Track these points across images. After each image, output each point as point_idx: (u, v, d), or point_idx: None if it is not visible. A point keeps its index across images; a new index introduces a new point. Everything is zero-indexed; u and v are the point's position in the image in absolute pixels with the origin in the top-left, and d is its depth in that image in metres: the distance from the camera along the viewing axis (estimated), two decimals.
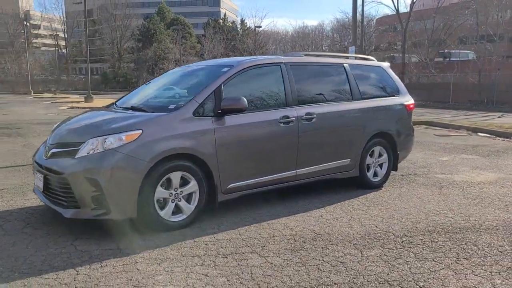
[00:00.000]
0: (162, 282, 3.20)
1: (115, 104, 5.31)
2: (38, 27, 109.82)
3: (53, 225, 4.41)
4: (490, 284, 3.22)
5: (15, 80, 58.71)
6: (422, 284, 3.22)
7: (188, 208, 4.36)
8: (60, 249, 3.82)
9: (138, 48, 76.33)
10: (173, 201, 4.27)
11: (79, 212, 4.00)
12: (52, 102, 30.91)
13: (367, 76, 6.22)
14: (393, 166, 6.33)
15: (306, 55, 5.83)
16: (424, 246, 3.95)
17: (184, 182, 4.33)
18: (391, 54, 42.04)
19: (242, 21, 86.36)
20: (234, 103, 4.47)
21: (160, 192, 4.16)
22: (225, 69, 4.88)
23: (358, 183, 5.97)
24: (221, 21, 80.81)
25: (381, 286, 3.17)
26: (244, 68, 4.94)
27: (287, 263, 3.55)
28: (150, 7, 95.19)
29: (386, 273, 3.39)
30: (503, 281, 3.27)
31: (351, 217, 4.79)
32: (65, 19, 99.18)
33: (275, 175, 5.02)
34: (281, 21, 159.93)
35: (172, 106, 4.56)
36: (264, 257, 3.68)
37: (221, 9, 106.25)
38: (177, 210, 4.34)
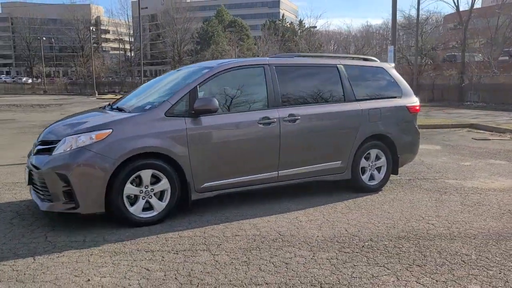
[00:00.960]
0: (103, 273, 3.37)
1: (110, 105, 5.59)
2: (107, 32, 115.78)
3: (39, 218, 4.74)
4: None
5: (83, 82, 62.12)
6: (324, 284, 3.16)
7: (159, 205, 4.51)
8: (32, 239, 4.10)
9: (197, 50, 78.30)
10: (144, 198, 4.45)
11: (53, 205, 4.28)
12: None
13: (365, 77, 6.08)
14: (393, 170, 6.14)
15: (297, 56, 5.81)
16: (382, 252, 3.86)
17: (156, 180, 4.49)
18: (452, 53, 40.13)
19: (301, 22, 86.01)
20: (206, 103, 4.58)
21: (130, 189, 4.35)
22: (204, 71, 5.00)
23: (352, 187, 5.86)
24: (278, 22, 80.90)
25: (306, 286, 3.15)
26: (223, 70, 5.03)
27: (232, 262, 3.61)
28: (210, 10, 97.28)
29: (325, 275, 3.36)
30: None
31: (326, 220, 4.74)
32: (130, 24, 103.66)
33: (255, 176, 5.06)
34: (335, 21, 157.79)
35: (148, 107, 4.74)
36: (214, 255, 3.76)
37: (280, 10, 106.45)
38: (150, 206, 4.50)
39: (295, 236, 4.22)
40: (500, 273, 3.43)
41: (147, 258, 3.67)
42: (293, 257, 3.72)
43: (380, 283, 3.25)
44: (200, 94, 4.85)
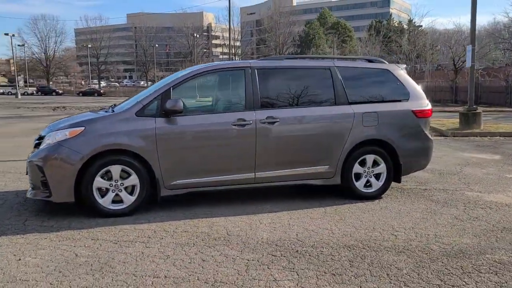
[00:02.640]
0: (37, 255, 3.79)
1: (113, 106, 6.08)
2: (217, 37, 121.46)
3: (38, 205, 5.32)
4: None
5: None
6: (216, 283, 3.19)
7: (128, 199, 4.86)
8: (13, 222, 4.71)
9: (297, 53, 78.79)
10: (113, 191, 4.83)
11: (35, 193, 4.85)
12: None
13: (364, 80, 5.86)
14: (396, 177, 5.83)
15: (286, 58, 5.79)
16: (310, 258, 3.79)
17: (127, 175, 4.85)
18: None
19: (410, 21, 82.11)
20: (173, 105, 4.83)
21: (99, 182, 4.76)
22: (182, 73, 5.25)
23: (346, 193, 5.69)
24: (385, 22, 78.01)
25: (197, 282, 3.24)
26: (200, 73, 5.24)
27: (155, 255, 3.81)
28: (313, 13, 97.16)
29: (227, 275, 3.43)
30: None
31: (288, 224, 4.71)
32: (238, 29, 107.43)
33: (230, 176, 5.18)
34: (441, 20, 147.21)
35: (126, 107, 5.12)
36: (146, 247, 4.00)
37: (390, 10, 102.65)
38: (120, 199, 4.87)
39: (239, 237, 4.28)
40: (407, 286, 3.20)
41: (86, 245, 4.02)
42: (215, 256, 3.80)
43: (266, 286, 3.22)
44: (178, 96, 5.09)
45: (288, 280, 3.35)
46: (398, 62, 55.58)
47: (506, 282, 3.35)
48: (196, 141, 5.06)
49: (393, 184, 6.35)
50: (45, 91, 64.82)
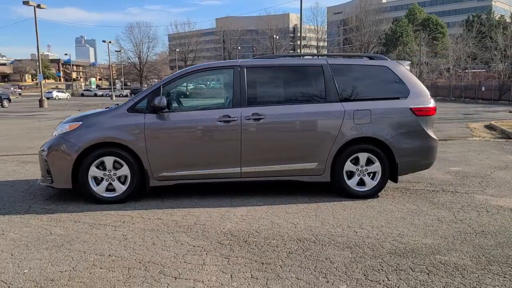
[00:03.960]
0: (19, 232, 4.37)
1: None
2: (303, 38, 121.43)
3: (55, 191, 6.01)
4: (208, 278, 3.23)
5: None
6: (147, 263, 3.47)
7: (120, 188, 5.35)
8: (23, 204, 5.39)
9: (382, 52, 76.34)
10: (107, 180, 5.34)
11: (43, 180, 5.51)
12: None
13: (360, 77, 5.81)
14: (392, 177, 5.74)
15: (279, 57, 5.92)
16: (250, 248, 3.95)
17: (119, 166, 5.34)
18: None
19: None
20: (158, 102, 5.22)
21: (94, 171, 5.29)
22: (177, 73, 5.63)
23: (336, 191, 5.71)
24: (484, 15, 72.80)
25: (132, 261, 3.58)
26: (190, 72, 5.59)
27: (115, 237, 4.21)
28: (401, 10, 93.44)
29: (161, 256, 3.73)
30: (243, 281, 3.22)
31: (260, 217, 4.87)
32: (325, 28, 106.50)
33: (217, 170, 5.47)
34: None
35: (121, 104, 5.61)
36: (114, 231, 4.41)
37: (492, 3, 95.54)
38: (113, 188, 5.38)
39: (204, 226, 4.55)
40: (325, 278, 3.28)
41: (65, 226, 4.54)
42: (167, 241, 4.12)
43: (190, 268, 3.46)
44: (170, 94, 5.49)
45: (215, 265, 3.56)
46: (492, 60, 51.50)
47: (432, 282, 3.28)
48: (182, 136, 5.40)
49: (398, 184, 6.25)
50: (137, 93, 69.34)
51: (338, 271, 3.47)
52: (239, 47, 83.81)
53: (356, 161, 5.63)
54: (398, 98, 5.74)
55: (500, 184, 6.44)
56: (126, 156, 5.29)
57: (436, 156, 5.97)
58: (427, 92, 5.86)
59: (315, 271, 3.47)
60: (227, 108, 5.47)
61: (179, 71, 5.65)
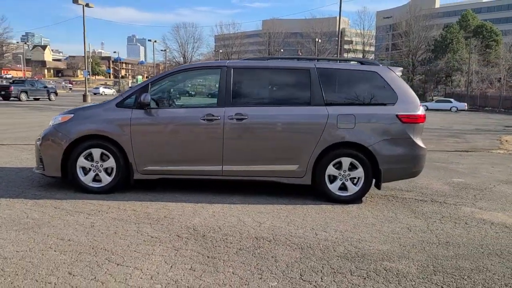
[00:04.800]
0: (2, 214, 4.70)
1: None
2: (350, 42, 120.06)
3: (47, 178, 6.30)
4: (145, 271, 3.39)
5: None
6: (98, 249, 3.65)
7: (106, 179, 5.62)
8: (17, 190, 5.75)
9: (430, 59, 74.29)
10: (94, 171, 5.63)
11: (36, 167, 5.87)
12: None
13: (347, 82, 5.81)
14: (376, 183, 5.72)
15: (268, 59, 6.01)
16: (204, 242, 4.08)
17: (106, 157, 5.61)
18: None
19: None
20: (142, 98, 5.45)
21: (82, 162, 5.59)
22: (166, 71, 5.84)
23: (319, 195, 5.74)
24: None
25: (86, 247, 3.79)
26: (179, 71, 5.79)
27: (83, 224, 4.45)
28: (453, 16, 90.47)
29: (117, 244, 3.91)
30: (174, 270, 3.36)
31: (230, 215, 4.98)
32: (372, 33, 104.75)
33: (199, 167, 5.63)
34: None
35: (111, 99, 5.89)
36: (86, 218, 4.65)
37: None
38: (100, 179, 5.65)
39: (172, 219, 4.72)
40: (260, 275, 3.37)
41: (43, 211, 4.82)
42: (130, 231, 4.31)
43: (136, 257, 3.63)
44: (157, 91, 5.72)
45: (161, 256, 3.71)
46: None
47: (364, 286, 3.30)
48: (166, 132, 5.60)
49: (388, 191, 6.21)
50: None
51: (277, 269, 3.53)
52: (281, 50, 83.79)
53: (339, 166, 5.63)
54: (385, 104, 5.69)
55: (497, 198, 6.25)
56: (113, 149, 5.54)
57: (423, 165, 5.87)
58: (417, 100, 5.78)
59: (254, 268, 3.55)
60: (212, 107, 5.62)
61: (170, 69, 5.85)
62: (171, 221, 4.65)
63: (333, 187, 5.64)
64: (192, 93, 5.91)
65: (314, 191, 5.82)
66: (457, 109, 44.82)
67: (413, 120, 5.66)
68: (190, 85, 5.99)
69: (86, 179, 5.60)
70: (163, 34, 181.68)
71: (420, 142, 5.72)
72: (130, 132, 5.52)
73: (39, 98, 35.41)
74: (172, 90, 5.93)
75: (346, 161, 5.61)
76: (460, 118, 32.26)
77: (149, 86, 5.65)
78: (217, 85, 5.69)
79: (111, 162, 5.58)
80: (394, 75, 5.78)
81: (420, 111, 5.72)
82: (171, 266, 3.51)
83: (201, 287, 3.18)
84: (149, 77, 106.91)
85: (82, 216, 4.70)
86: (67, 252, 3.71)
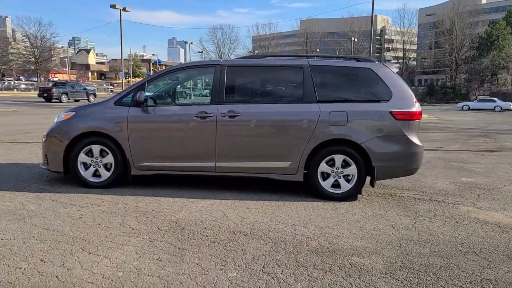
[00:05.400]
0: (3, 206, 5.01)
1: None
2: (391, 41, 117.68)
3: (55, 174, 6.60)
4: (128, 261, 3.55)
5: None
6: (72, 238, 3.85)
7: (105, 174, 5.86)
8: (26, 183, 6.09)
9: (474, 57, 71.76)
10: (94, 166, 5.88)
11: (42, 163, 6.18)
12: None
13: (341, 79, 5.80)
14: (370, 181, 5.70)
15: (263, 57, 6.08)
16: (176, 232, 4.22)
17: (105, 153, 5.86)
18: None
19: None
20: (138, 96, 5.66)
21: (83, 157, 5.85)
22: (163, 69, 6.03)
23: (311, 192, 5.77)
24: None
25: (62, 236, 4.00)
26: (176, 69, 5.96)
27: (73, 215, 4.67)
28: (502, 11, 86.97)
29: (96, 235, 4.09)
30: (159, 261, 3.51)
31: (217, 210, 5.07)
32: (414, 31, 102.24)
33: (192, 164, 5.78)
34: None
35: (110, 98, 6.13)
36: (77, 211, 4.87)
37: None
38: (100, 174, 5.90)
39: (158, 213, 4.87)
40: (223, 266, 3.46)
41: (40, 203, 5.09)
42: (113, 222, 4.49)
43: (109, 247, 3.80)
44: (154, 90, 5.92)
45: (134, 246, 3.86)
46: None
47: (322, 279, 3.33)
48: (161, 129, 5.79)
49: (387, 189, 6.18)
50: None
51: (242, 261, 3.61)
52: (318, 50, 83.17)
53: (332, 163, 5.63)
54: (379, 101, 5.65)
55: (502, 198, 6.07)
56: (111, 145, 5.77)
57: (419, 163, 5.78)
58: (412, 96, 5.70)
59: (220, 259, 3.64)
60: (205, 105, 5.75)
61: (166, 68, 6.03)
62: (157, 215, 4.80)
63: (326, 184, 5.64)
64: (188, 91, 6.05)
65: (308, 188, 5.82)
66: (501, 109, 43.15)
67: (408, 117, 5.58)
68: (186, 83, 6.14)
69: (87, 174, 5.86)
70: (200, 36, 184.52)
71: (415, 140, 5.64)
72: (127, 129, 5.73)
73: (79, 100, 36.82)
74: (168, 88, 6.10)
75: (339, 158, 5.60)
76: (501, 117, 31.09)
77: (146, 84, 5.83)
78: (211, 83, 5.81)
79: (109, 158, 5.81)
80: (389, 72, 5.72)
81: (415, 108, 5.64)
82: (140, 256, 3.65)
83: (160, 275, 3.30)
84: None
85: (74, 209, 4.93)
86: (47, 241, 3.92)
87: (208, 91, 5.84)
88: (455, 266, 3.64)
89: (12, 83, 67.45)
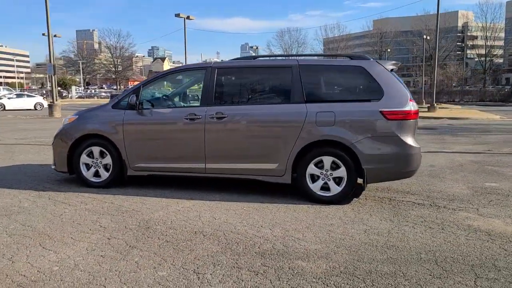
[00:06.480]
0: (1, 202, 5.43)
1: None
2: (474, 37, 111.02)
3: (66, 174, 7.00)
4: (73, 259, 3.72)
5: (421, 91, 62.66)
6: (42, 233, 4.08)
7: (104, 174, 6.15)
8: (36, 182, 6.55)
9: None
10: (94, 167, 6.20)
11: (52, 163, 6.61)
12: None
13: (331, 78, 5.63)
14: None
15: (255, 58, 6.05)
16: (139, 231, 4.33)
17: (105, 155, 6.15)
18: None
19: None
20: (130, 100, 5.88)
21: (84, 158, 6.18)
22: (157, 73, 6.22)
23: (300, 194, 5.66)
24: None
25: (32, 232, 4.27)
26: (169, 73, 6.12)
27: (55, 212, 4.96)
28: None
29: (60, 227, 4.33)
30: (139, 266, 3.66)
31: (195, 210, 5.12)
32: (503, 26, 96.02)
33: (184, 165, 5.90)
34: None
35: (109, 101, 6.41)
36: (64, 208, 5.17)
37: None
38: (100, 174, 6.21)
39: (137, 212, 5.02)
40: (161, 263, 3.51)
41: (36, 201, 5.44)
42: (86, 220, 4.70)
43: (65, 242, 3.99)
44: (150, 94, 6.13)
45: (89, 243, 4.01)
46: None
47: (248, 281, 3.27)
48: (154, 131, 5.96)
49: (388, 193, 5.98)
50: None
51: (181, 261, 3.63)
52: (389, 50, 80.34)
53: (321, 165, 5.47)
54: (369, 100, 5.41)
55: (505, 205, 5.53)
56: (109, 147, 6.04)
57: (415, 165, 5.44)
58: (406, 95, 5.39)
59: (161, 258, 3.69)
60: (195, 107, 5.84)
61: (160, 72, 6.20)
62: (134, 214, 4.95)
63: (315, 187, 5.49)
64: (182, 93, 6.18)
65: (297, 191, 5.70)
66: None
67: (400, 117, 5.29)
68: (179, 86, 6.28)
69: (88, 174, 6.18)
70: (268, 40, 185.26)
71: (410, 141, 5.32)
72: (122, 131, 5.96)
73: None
74: (162, 91, 6.26)
75: (327, 160, 5.43)
76: None
77: (141, 88, 6.04)
78: (201, 85, 5.89)
79: (108, 159, 6.08)
80: (382, 69, 5.45)
81: (409, 107, 5.32)
82: (87, 253, 3.80)
83: (92, 271, 3.41)
84: None
85: (62, 207, 5.22)
86: (15, 235, 4.20)
87: (198, 93, 5.90)
88: (401, 274, 3.40)
89: (93, 91, 72.42)
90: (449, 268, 3.53)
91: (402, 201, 5.68)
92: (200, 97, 5.89)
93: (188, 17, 35.88)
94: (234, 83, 5.98)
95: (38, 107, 33.59)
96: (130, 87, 6.66)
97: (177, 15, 34.95)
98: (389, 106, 5.28)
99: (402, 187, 6.39)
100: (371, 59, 5.66)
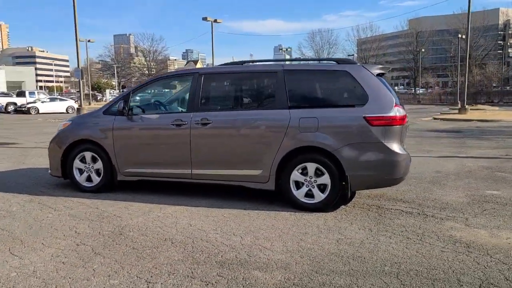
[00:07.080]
0: (1, 208, 5.63)
1: None
2: None
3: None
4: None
5: (458, 91, 60.89)
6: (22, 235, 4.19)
7: (96, 179, 6.27)
8: (33, 187, 6.74)
9: None
10: (87, 172, 6.33)
11: (49, 168, 6.79)
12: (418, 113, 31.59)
13: (315, 83, 5.54)
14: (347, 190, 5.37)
15: (243, 63, 6.01)
16: (110, 237, 4.37)
17: (97, 160, 6.27)
18: None
19: None
20: (118, 106, 5.97)
21: (77, 163, 6.32)
22: (147, 79, 6.29)
23: (285, 202, 5.59)
24: None
25: (8, 234, 4.39)
26: (158, 79, 6.18)
27: (40, 216, 5.08)
28: None
29: (37, 231, 4.44)
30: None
31: (175, 216, 5.14)
32: None
33: (171, 170, 5.94)
34: None
35: (101, 107, 6.52)
36: (50, 212, 5.30)
37: None
38: (91, 179, 6.33)
39: (117, 218, 5.08)
40: (117, 270, 3.54)
41: (25, 205, 5.59)
42: (64, 226, 4.79)
43: (33, 247, 4.08)
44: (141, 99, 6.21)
45: (56, 248, 4.09)
46: None
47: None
48: (142, 136, 6.02)
49: (378, 201, 5.85)
50: None
51: (137, 269, 3.64)
52: (423, 50, 78.36)
53: (305, 172, 5.39)
54: (353, 106, 5.28)
55: (501, 215, 5.27)
56: (100, 152, 6.15)
57: (402, 172, 5.28)
58: (391, 100, 5.23)
59: (119, 265, 3.72)
60: (182, 113, 5.87)
61: (149, 78, 6.26)
62: (113, 220, 5.02)
63: (299, 194, 5.40)
64: (171, 99, 6.23)
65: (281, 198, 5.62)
66: None
67: (385, 123, 5.14)
68: (169, 91, 6.32)
69: (81, 179, 6.30)
70: (299, 42, 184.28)
71: (395, 147, 5.17)
72: (112, 137, 6.06)
73: None
74: (151, 97, 6.32)
75: (311, 166, 5.34)
76: None
77: (131, 94, 6.12)
78: (188, 91, 5.91)
79: (99, 164, 6.19)
80: (368, 74, 5.31)
81: (394, 112, 5.16)
82: (50, 259, 3.86)
83: (46, 278, 3.47)
84: None
85: (46, 211, 5.35)
86: None
87: (186, 99, 5.93)
88: (353, 286, 3.28)
89: None
90: (408, 282, 3.40)
91: (391, 209, 5.51)
92: (187, 103, 5.90)
93: (215, 20, 36.18)
94: (220, 89, 5.97)
95: (70, 110, 34.67)
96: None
97: (204, 19, 35.31)
98: (373, 112, 5.14)
99: (395, 194, 6.20)
100: (357, 64, 5.52)
